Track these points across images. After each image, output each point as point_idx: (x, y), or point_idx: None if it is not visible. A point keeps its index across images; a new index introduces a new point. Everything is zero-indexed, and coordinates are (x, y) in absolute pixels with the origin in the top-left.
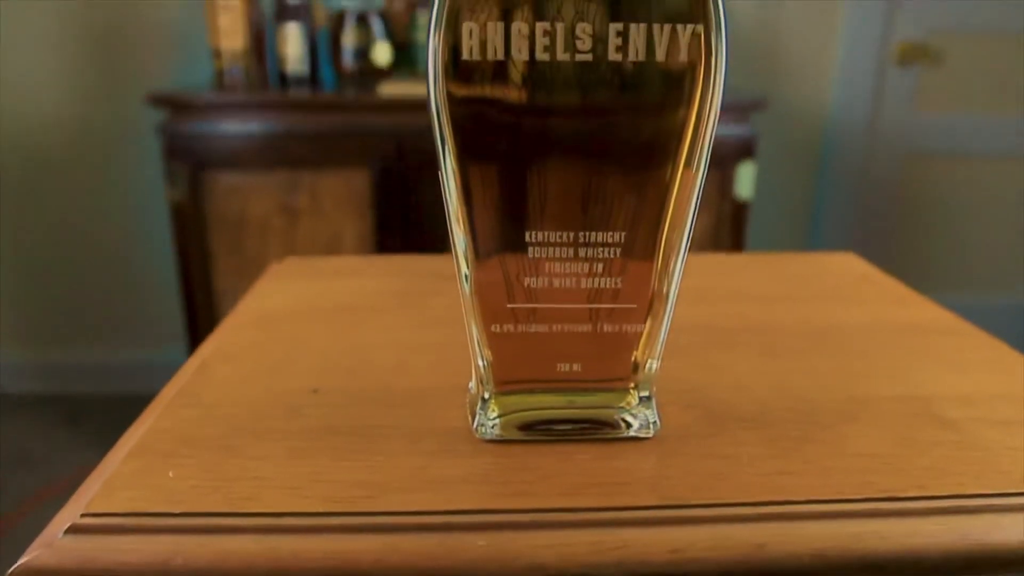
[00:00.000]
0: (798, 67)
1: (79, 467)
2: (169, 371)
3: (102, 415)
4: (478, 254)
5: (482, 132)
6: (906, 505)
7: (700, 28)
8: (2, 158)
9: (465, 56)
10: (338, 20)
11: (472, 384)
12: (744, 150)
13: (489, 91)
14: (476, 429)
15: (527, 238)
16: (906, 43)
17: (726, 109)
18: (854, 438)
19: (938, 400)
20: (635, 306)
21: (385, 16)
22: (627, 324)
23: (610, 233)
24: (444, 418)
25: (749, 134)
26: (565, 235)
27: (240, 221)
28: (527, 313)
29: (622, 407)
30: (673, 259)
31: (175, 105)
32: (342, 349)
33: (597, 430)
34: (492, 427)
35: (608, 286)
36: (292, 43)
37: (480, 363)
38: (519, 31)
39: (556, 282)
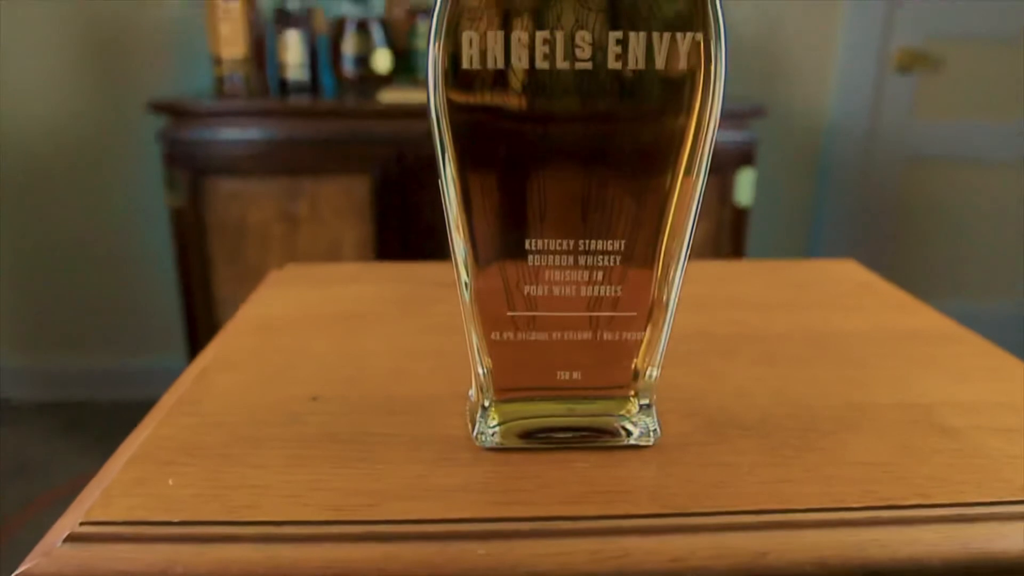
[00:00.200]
0: (797, 74)
1: (78, 474)
2: (168, 378)
3: (101, 422)
4: (478, 262)
5: (482, 140)
6: (907, 513)
7: (699, 36)
8: (3, 164)
9: (465, 65)
10: (338, 27)
11: (472, 392)
12: (744, 157)
13: (489, 99)
14: (476, 437)
15: (527, 246)
16: (905, 49)
17: (725, 116)
18: (855, 446)
19: (939, 408)
20: (635, 314)
21: (385, 23)
22: (627, 332)
23: (610, 241)
24: (444, 426)
25: (749, 141)
26: (565, 243)
27: (240, 228)
28: (527, 321)
29: (622, 415)
30: (673, 267)
31: (175, 112)
32: (342, 357)
33: (597, 438)
34: (492, 435)
35: (608, 294)
36: (292, 50)
37: (480, 371)
38: (519, 40)
39: (556, 290)
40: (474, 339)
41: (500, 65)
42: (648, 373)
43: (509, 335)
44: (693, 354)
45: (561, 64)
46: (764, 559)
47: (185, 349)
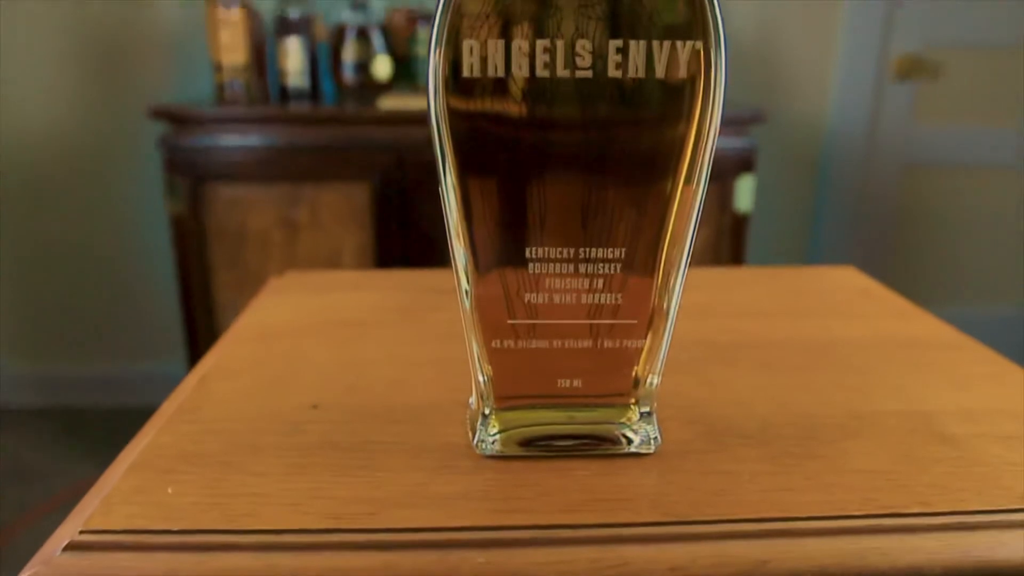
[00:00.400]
0: (797, 80)
1: (78, 480)
2: (168, 384)
3: (101, 428)
4: (478, 269)
5: (483, 147)
6: (908, 521)
7: (699, 44)
8: (4, 170)
9: (466, 73)
10: (338, 34)
11: (472, 400)
12: (743, 163)
13: (490, 106)
14: (476, 445)
15: (527, 253)
16: (904, 56)
17: (725, 122)
18: (855, 454)
19: (939, 415)
20: (635, 322)
21: (385, 30)
22: (628, 340)
23: (610, 249)
24: (444, 434)
25: (748, 147)
26: (565, 251)
27: (240, 234)
28: (527, 328)
29: (623, 423)
30: (673, 274)
31: (176, 119)
32: (342, 364)
33: (598, 446)
34: (492, 443)
35: (608, 302)
36: (293, 57)
37: (480, 378)
38: (519, 48)
39: (556, 298)
40: (474, 347)
41: (501, 73)
42: (649, 381)
43: (509, 343)
44: (694, 362)
45: (561, 72)
46: (765, 567)
47: (185, 355)
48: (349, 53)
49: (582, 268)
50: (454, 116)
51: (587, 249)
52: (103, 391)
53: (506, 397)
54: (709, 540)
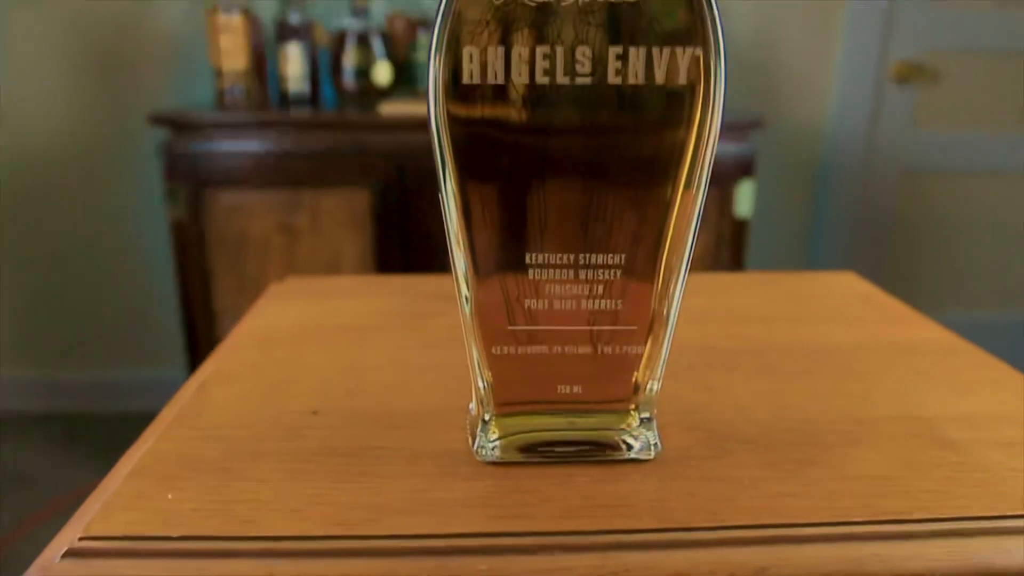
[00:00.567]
0: (796, 86)
1: (77, 486)
2: (168, 390)
3: (101, 433)
4: (478, 275)
5: (482, 153)
6: (909, 528)
7: (699, 51)
8: (5, 176)
9: (465, 80)
10: (339, 40)
11: (472, 405)
12: (743, 168)
13: (489, 112)
14: (476, 451)
15: (527, 259)
16: (903, 62)
17: (725, 127)
18: (856, 460)
19: (940, 421)
20: (635, 327)
21: (386, 36)
22: (627, 346)
23: (610, 255)
24: (444, 440)
25: (748, 152)
26: (565, 257)
27: (240, 240)
28: (527, 335)
29: (623, 429)
30: (673, 280)
31: (176, 125)
32: (342, 370)
33: (598, 452)
34: (492, 449)
35: (608, 308)
36: (293, 63)
37: (480, 384)
38: (519, 55)
39: (556, 304)
40: (474, 353)
41: (500, 80)
42: (649, 387)
43: (509, 349)
44: (694, 367)
45: (561, 79)
46: (765, 574)
47: (185, 361)
48: (349, 59)
49: (582, 274)
50: (454, 122)
51: (587, 255)
52: (103, 397)
53: (506, 403)
54: (709, 547)
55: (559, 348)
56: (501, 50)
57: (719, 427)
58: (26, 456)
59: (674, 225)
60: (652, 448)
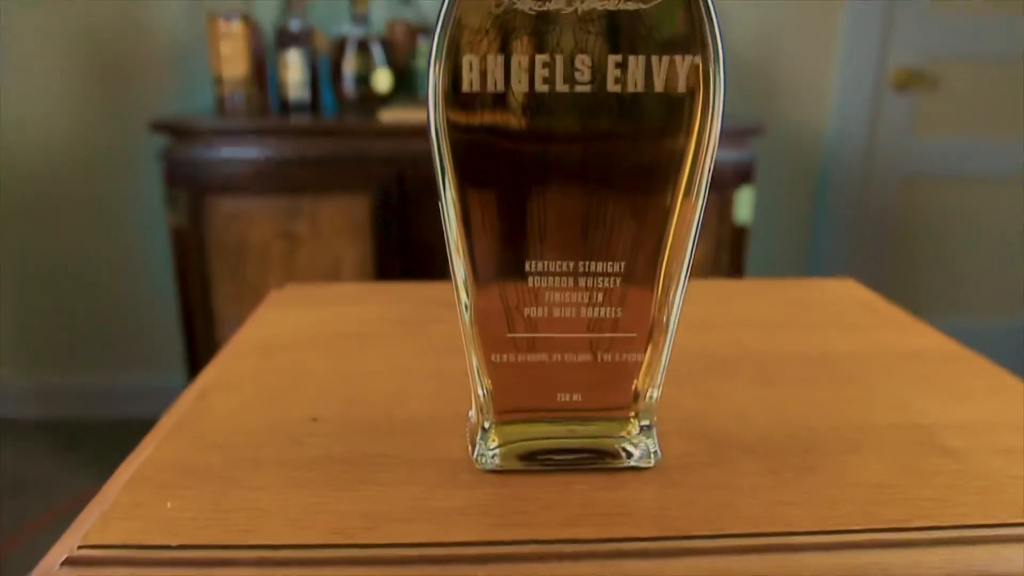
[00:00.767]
0: (796, 93)
1: (76, 492)
2: (168, 396)
3: (100, 440)
4: (478, 283)
5: (482, 161)
6: (909, 536)
7: (698, 59)
8: (5, 182)
9: (465, 87)
10: (339, 47)
11: (472, 413)
12: (743, 175)
13: (489, 120)
14: (476, 459)
15: (527, 267)
16: (903, 69)
17: (724, 135)
18: (856, 467)
19: (940, 428)
20: (635, 335)
21: (386, 43)
22: (627, 353)
23: (610, 262)
24: (444, 448)
25: (748, 159)
26: (565, 264)
27: (240, 247)
28: (527, 342)
29: (623, 436)
30: (673, 288)
31: (177, 131)
32: (341, 377)
33: (598, 460)
34: (492, 457)
35: (608, 315)
36: (293, 70)
37: (480, 392)
38: (519, 63)
39: (556, 311)
40: (474, 360)
41: (500, 88)
42: (648, 394)
43: (509, 356)
44: (693, 374)
45: (561, 87)
46: None
47: (185, 368)
48: (349, 66)
49: (582, 281)
50: (454, 130)
51: (586, 262)
52: (103, 403)
53: (506, 411)
54: (709, 554)
55: (559, 356)
56: (501, 58)
57: (719, 435)
58: (25, 463)
59: (674, 232)
60: (652, 456)
